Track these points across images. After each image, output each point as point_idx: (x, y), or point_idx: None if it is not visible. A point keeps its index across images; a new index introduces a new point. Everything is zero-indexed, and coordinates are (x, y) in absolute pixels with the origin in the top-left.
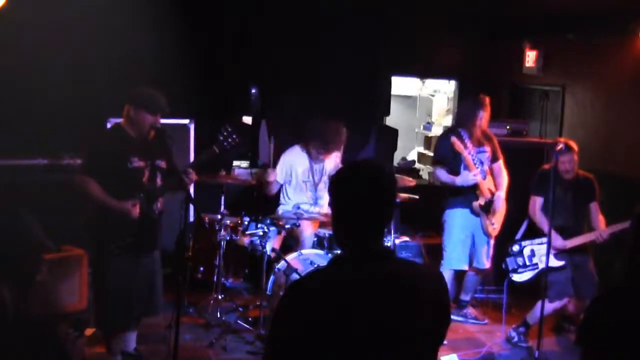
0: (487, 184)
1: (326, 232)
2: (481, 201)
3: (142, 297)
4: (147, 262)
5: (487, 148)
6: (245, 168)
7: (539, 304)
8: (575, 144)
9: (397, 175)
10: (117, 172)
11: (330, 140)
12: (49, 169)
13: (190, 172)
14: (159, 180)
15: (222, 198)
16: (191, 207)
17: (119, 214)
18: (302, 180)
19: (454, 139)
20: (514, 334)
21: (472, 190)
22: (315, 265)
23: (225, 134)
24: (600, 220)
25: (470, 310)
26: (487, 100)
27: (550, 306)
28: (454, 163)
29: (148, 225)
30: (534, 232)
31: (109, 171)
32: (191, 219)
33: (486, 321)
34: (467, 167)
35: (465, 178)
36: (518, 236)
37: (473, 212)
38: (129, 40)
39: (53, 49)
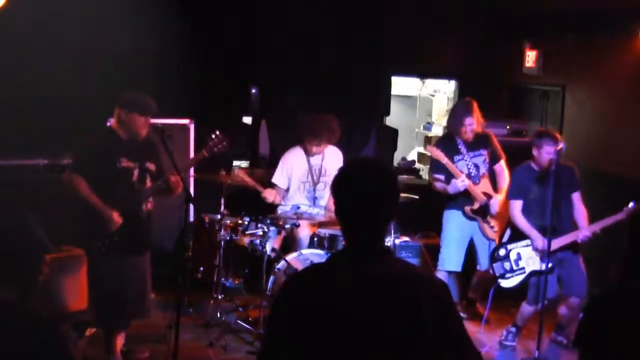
0: (481, 188)
1: (326, 232)
2: (474, 205)
3: (133, 297)
4: (139, 263)
5: (484, 151)
6: (246, 168)
7: (524, 305)
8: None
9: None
10: (105, 171)
11: (321, 131)
12: (49, 169)
13: (174, 175)
14: (148, 182)
15: (222, 198)
16: (191, 207)
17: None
18: (301, 181)
19: (429, 148)
20: (504, 332)
21: (465, 195)
22: None
23: (215, 139)
24: (581, 212)
25: (476, 309)
26: (474, 104)
27: (529, 309)
28: (445, 169)
29: (136, 225)
30: (519, 236)
31: (98, 170)
32: (191, 219)
33: (489, 320)
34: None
35: (455, 186)
36: (504, 240)
37: (467, 216)
38: (129, 40)
39: (53, 49)
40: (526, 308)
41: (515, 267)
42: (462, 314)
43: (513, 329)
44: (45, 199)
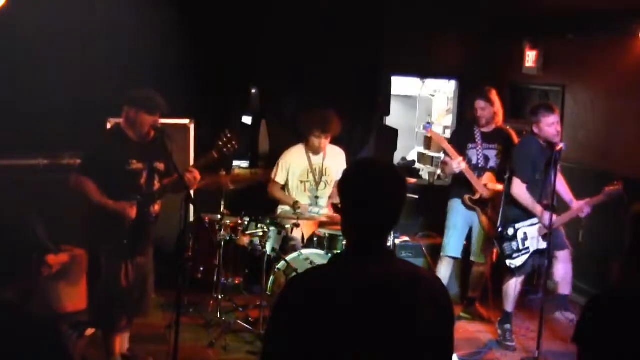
0: (484, 180)
1: (326, 232)
2: (475, 196)
3: (134, 297)
4: (142, 263)
5: (499, 146)
6: (246, 168)
7: (508, 285)
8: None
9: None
10: (114, 174)
11: (327, 124)
12: (49, 169)
13: (193, 171)
14: (156, 183)
15: (222, 198)
16: (191, 207)
17: (115, 215)
18: (300, 180)
19: (431, 131)
20: (500, 332)
21: (466, 183)
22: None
23: (224, 139)
24: (565, 185)
25: (476, 308)
26: (491, 91)
27: (511, 280)
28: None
29: (143, 228)
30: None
31: (106, 172)
32: (191, 219)
33: (492, 319)
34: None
35: (451, 167)
36: (499, 221)
37: (465, 205)
38: (129, 40)
39: (53, 48)
40: (508, 281)
41: (521, 247)
42: (463, 315)
43: (507, 326)
44: (45, 199)
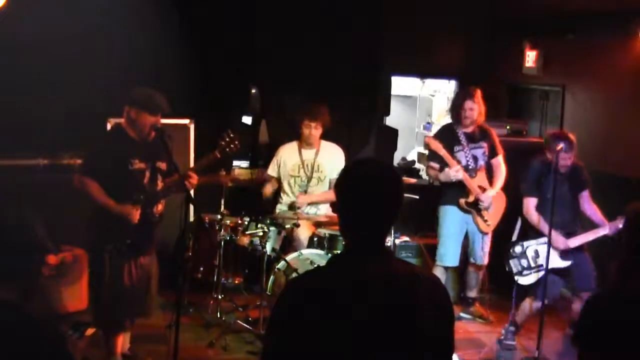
0: (477, 182)
1: (326, 232)
2: (470, 198)
3: (137, 297)
4: (145, 263)
5: (484, 144)
6: (246, 168)
7: (526, 304)
8: (573, 136)
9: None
10: (117, 174)
11: (317, 112)
12: (49, 169)
13: (190, 176)
14: (159, 182)
15: (222, 198)
16: (191, 207)
17: (119, 217)
18: (290, 175)
19: (427, 139)
20: (503, 331)
21: (460, 187)
22: (315, 265)
23: (227, 139)
24: (595, 209)
25: (476, 308)
26: (476, 91)
27: (536, 305)
28: (441, 160)
29: (147, 228)
30: (527, 232)
31: (109, 172)
32: (191, 219)
33: (491, 320)
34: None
35: (447, 175)
36: (514, 237)
37: (461, 209)
38: (129, 40)
39: (53, 49)
40: (532, 305)
41: (533, 265)
42: (463, 315)
43: (512, 328)
44: (45, 199)
